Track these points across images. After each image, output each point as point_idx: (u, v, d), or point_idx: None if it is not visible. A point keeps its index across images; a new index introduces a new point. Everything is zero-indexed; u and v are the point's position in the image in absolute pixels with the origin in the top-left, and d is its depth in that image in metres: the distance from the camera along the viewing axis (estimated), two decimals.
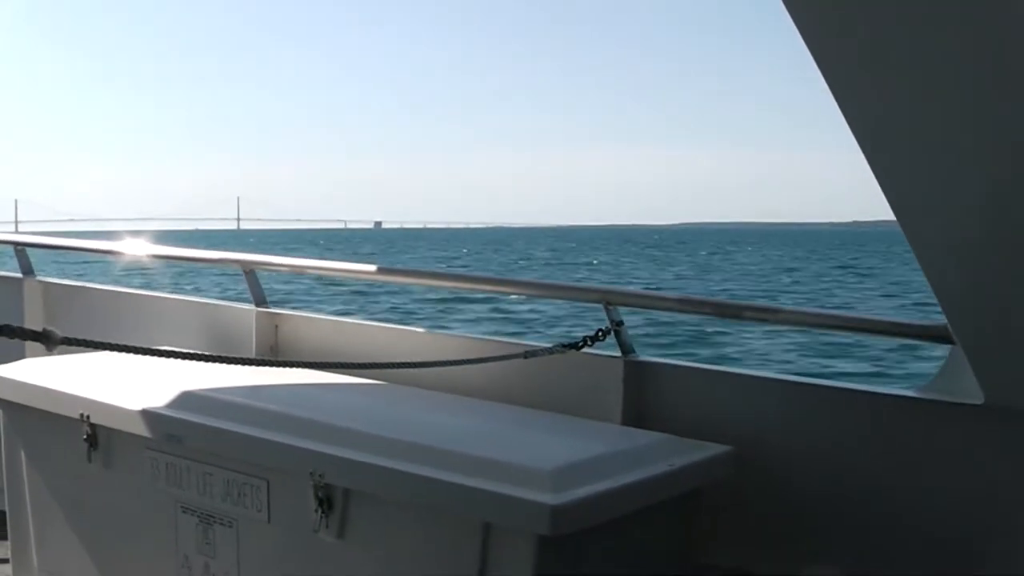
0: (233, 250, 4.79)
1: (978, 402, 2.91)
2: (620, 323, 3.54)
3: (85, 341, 2.22)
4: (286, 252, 4.59)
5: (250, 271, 4.43)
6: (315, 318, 4.43)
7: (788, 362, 19.85)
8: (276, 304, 4.49)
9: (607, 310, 3.54)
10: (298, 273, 4.85)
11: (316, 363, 3.68)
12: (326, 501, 2.91)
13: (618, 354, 3.53)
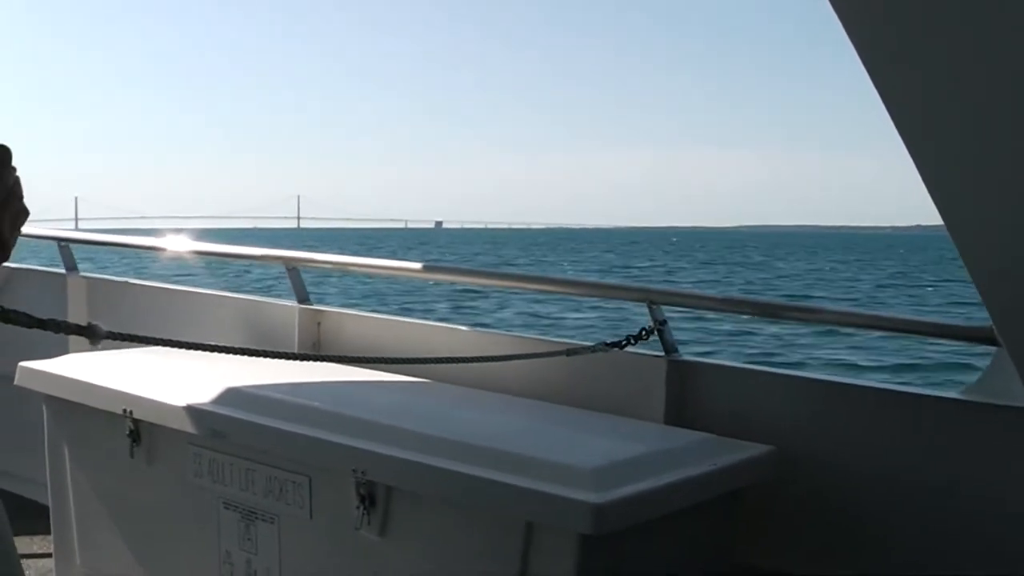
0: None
1: (1023, 404, 2.87)
2: (664, 322, 3.52)
3: (129, 336, 2.22)
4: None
5: (292, 268, 4.44)
6: (357, 315, 4.43)
7: None
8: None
9: (651, 309, 3.52)
10: (342, 271, 4.85)
11: (358, 358, 3.69)
12: (368, 498, 2.90)
13: (661, 353, 3.51)
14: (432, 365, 3.60)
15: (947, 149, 2.36)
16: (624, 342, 3.54)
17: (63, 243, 5.20)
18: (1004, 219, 2.48)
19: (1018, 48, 2.06)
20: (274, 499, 3.17)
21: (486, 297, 32.13)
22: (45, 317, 1.80)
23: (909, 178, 2.44)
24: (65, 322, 1.86)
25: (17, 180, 1.45)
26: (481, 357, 3.55)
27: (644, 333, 3.53)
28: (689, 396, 3.42)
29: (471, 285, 21.14)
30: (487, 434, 2.99)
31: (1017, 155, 2.29)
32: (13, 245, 1.46)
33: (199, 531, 3.39)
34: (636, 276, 59.20)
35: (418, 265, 4.38)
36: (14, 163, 1.44)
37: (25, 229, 1.50)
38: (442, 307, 31.24)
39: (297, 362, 3.61)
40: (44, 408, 3.78)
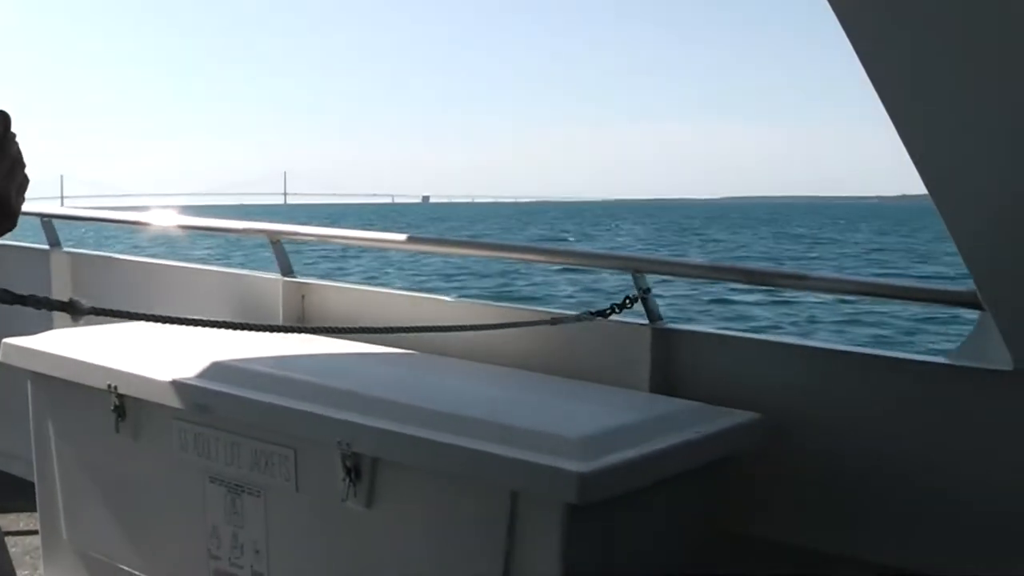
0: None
1: (1007, 368, 2.88)
2: (648, 290, 3.52)
3: (112, 311, 2.21)
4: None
5: (276, 241, 4.42)
6: (342, 287, 4.42)
7: None
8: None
9: (635, 278, 3.51)
10: (325, 242, 4.83)
11: (342, 328, 3.68)
12: (354, 470, 2.90)
13: (646, 321, 3.51)
14: (417, 336, 3.59)
15: (929, 116, 2.36)
16: (609, 311, 3.54)
17: (46, 218, 5.18)
18: (987, 185, 2.49)
19: (1002, 15, 2.06)
20: (260, 472, 3.16)
21: (590, 272, 30.19)
22: (28, 293, 1.79)
23: (893, 148, 2.44)
24: (46, 298, 1.84)
25: (18, 147, 1.42)
26: (464, 326, 3.55)
27: (628, 301, 3.53)
28: (674, 364, 3.41)
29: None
30: (472, 404, 2.99)
31: (1001, 120, 2.30)
32: (19, 213, 1.44)
33: (185, 506, 3.39)
34: (745, 257, 50.13)
35: (402, 237, 4.36)
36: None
37: None
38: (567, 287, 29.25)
39: (282, 335, 3.59)
40: (28, 384, 3.77)
